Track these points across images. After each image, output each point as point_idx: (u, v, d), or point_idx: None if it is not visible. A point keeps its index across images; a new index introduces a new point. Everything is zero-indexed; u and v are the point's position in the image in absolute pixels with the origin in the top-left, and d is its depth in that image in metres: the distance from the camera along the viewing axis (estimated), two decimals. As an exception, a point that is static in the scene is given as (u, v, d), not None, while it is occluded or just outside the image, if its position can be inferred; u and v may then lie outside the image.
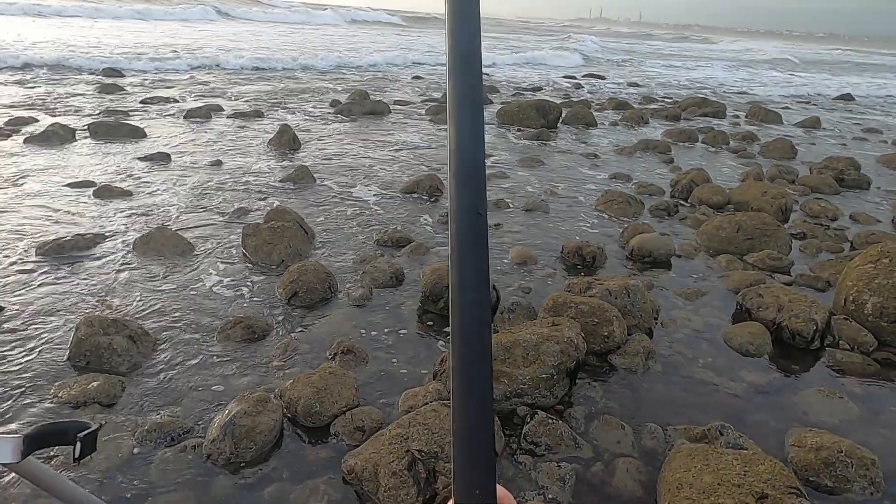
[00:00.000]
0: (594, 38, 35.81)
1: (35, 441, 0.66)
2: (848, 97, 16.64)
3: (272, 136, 6.43)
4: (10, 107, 7.27)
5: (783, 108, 12.85)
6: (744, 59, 31.49)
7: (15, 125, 6.35)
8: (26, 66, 10.06)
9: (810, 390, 2.65)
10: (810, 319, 2.97)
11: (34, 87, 8.67)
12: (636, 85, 15.72)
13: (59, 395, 2.26)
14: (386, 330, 2.92)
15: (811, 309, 3.04)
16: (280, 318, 2.96)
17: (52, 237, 3.57)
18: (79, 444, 0.67)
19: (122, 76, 10.19)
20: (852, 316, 3.18)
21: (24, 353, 2.51)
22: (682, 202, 5.33)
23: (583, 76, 16.92)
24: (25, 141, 5.73)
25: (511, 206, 4.86)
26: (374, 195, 4.95)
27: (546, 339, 2.36)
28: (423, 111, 9.00)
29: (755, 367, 2.82)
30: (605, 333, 2.71)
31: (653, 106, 11.67)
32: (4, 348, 2.54)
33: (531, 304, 3.10)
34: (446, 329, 2.95)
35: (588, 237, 4.27)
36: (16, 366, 2.42)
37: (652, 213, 4.94)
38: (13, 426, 2.09)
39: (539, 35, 39.19)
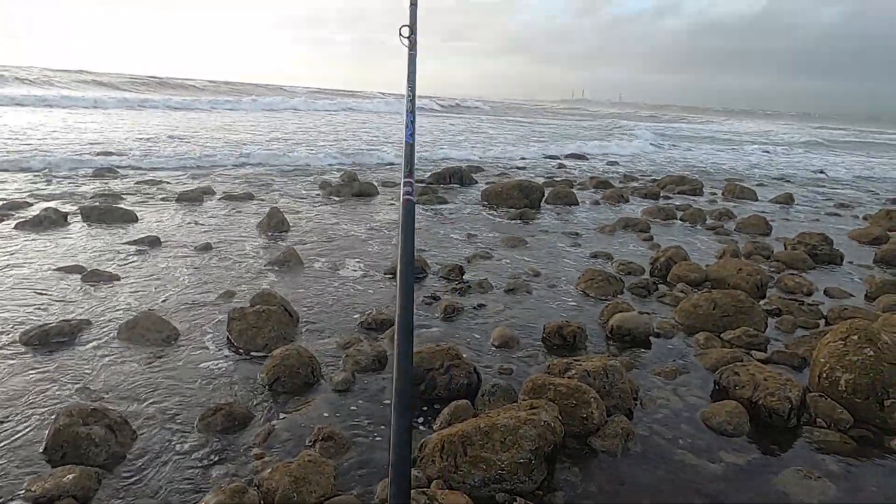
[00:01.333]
0: (640, 123, 38.07)
1: None
2: (821, 173, 17.34)
3: (262, 218, 6.59)
4: (6, 192, 7.42)
5: (758, 184, 13.35)
6: (778, 141, 33.12)
7: (8, 210, 6.48)
8: (29, 160, 10.31)
9: (789, 470, 2.67)
10: (785, 397, 3.02)
11: (33, 173, 8.89)
12: (616, 164, 16.33)
13: (33, 488, 2.23)
14: (367, 415, 2.93)
15: (786, 386, 3.10)
16: (262, 404, 2.97)
17: (37, 323, 3.60)
18: None
19: (120, 162, 10.46)
20: (827, 393, 3.23)
21: None
22: (661, 280, 5.47)
23: (566, 156, 17.56)
24: (17, 226, 5.84)
25: (494, 286, 4.96)
26: (360, 276, 5.05)
27: (524, 422, 2.40)
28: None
29: (734, 447, 2.84)
30: (584, 415, 2.74)
31: (633, 184, 12.09)
32: (-19, 440, 2.52)
33: (511, 386, 3.13)
34: (426, 410, 2.97)
35: (569, 317, 4.35)
36: (-9, 458, 2.40)
37: (632, 291, 5.06)
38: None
39: (579, 119, 41.10)
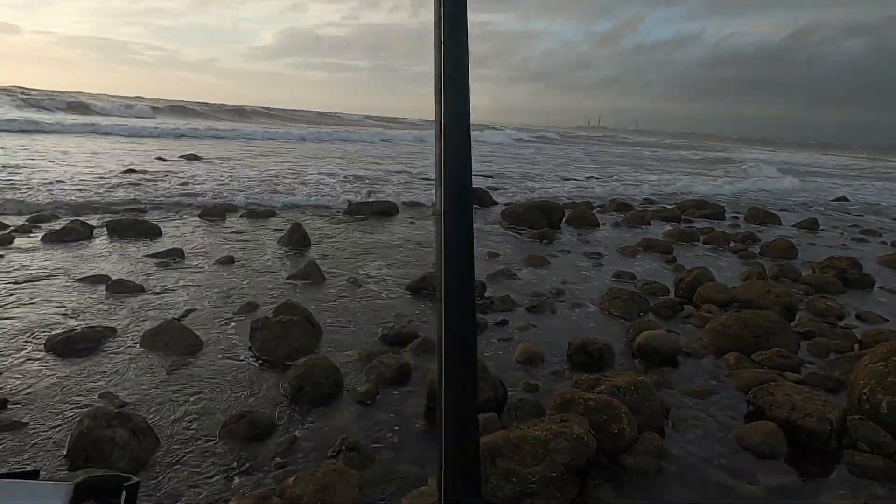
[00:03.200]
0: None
1: (84, 490, 0.70)
2: (843, 199, 17.09)
3: (283, 233, 6.62)
4: (35, 204, 7.55)
5: (780, 210, 13.17)
6: None
7: (36, 222, 6.58)
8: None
9: (831, 494, 2.56)
10: (825, 419, 2.90)
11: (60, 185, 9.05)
12: (636, 185, 16.24)
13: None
14: (391, 427, 2.87)
15: (825, 408, 2.98)
16: (285, 413, 2.93)
17: (62, 330, 3.61)
18: (124, 493, 0.70)
19: (147, 172, 10.62)
20: (868, 416, 3.10)
21: (22, 448, 2.47)
22: (687, 300, 5.36)
23: (586, 178, 17.54)
24: (43, 238, 5.91)
25: (517, 304, 4.89)
26: (382, 291, 5.02)
27: (555, 435, 2.32)
28: (431, 211, 9.27)
29: (772, 470, 2.73)
30: (615, 430, 2.65)
31: (653, 207, 11.99)
32: (3, 443, 2.50)
33: (538, 401, 3.05)
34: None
35: (594, 335, 4.26)
36: (10, 461, 2.38)
37: (656, 311, 4.96)
38: None
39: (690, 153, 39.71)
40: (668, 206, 12.07)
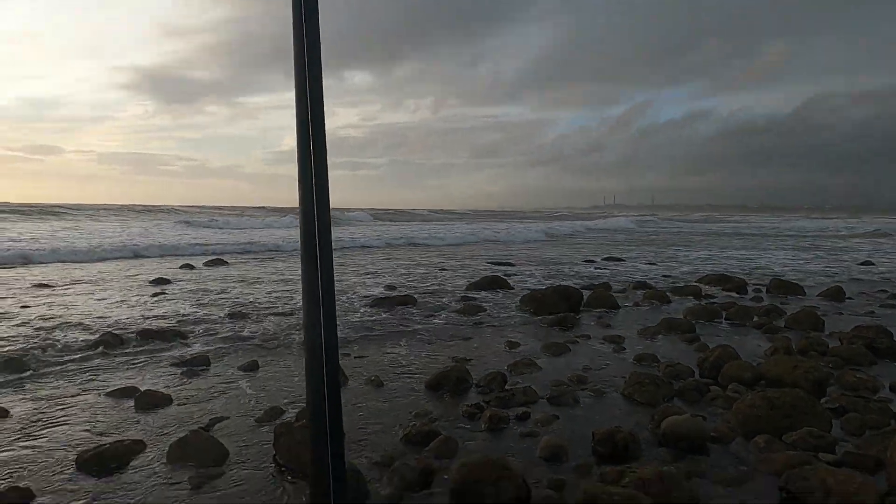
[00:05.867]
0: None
1: None
2: (868, 263, 16.86)
3: (306, 335, 6.74)
4: (66, 323, 7.83)
5: (802, 279, 13.02)
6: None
7: (67, 339, 6.80)
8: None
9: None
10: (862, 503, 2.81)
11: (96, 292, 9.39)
12: (653, 264, 16.27)
13: None
14: (415, 533, 2.84)
15: (861, 491, 2.89)
16: (308, 523, 2.92)
17: (93, 446, 3.69)
18: None
19: (174, 280, 10.99)
20: (908, 498, 2.99)
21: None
22: (712, 381, 5.28)
23: (603, 259, 17.65)
24: (74, 352, 6.11)
25: (539, 395, 4.87)
26: (402, 391, 5.05)
27: (578, 536, 2.29)
28: (452, 302, 9.37)
29: (812, 562, 2.62)
30: (643, 528, 2.60)
31: (674, 284, 11.96)
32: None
33: (564, 499, 3.01)
34: (477, 530, 2.86)
35: (619, 423, 4.21)
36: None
37: (681, 395, 4.89)
38: None
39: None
40: (690, 283, 12.03)
